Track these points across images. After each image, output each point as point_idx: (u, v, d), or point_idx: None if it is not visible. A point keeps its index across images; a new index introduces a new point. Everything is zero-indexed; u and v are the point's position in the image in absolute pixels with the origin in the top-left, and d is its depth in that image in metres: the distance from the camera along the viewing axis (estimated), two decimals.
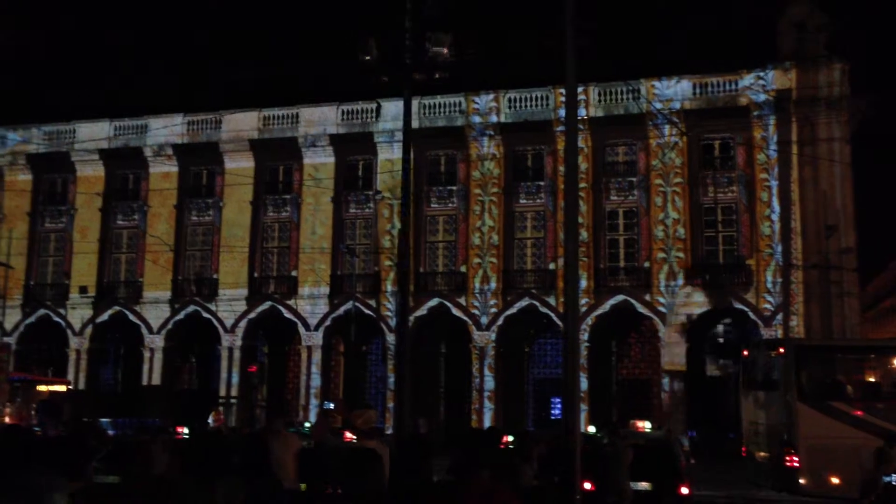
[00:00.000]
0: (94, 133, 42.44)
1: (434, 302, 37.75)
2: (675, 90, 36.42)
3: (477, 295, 37.57)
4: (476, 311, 37.54)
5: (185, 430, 18.60)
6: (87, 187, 42.20)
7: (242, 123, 40.88)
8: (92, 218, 42.02)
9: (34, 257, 42.73)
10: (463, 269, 38.19)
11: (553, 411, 38.08)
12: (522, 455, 8.74)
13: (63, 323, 41.47)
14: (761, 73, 35.50)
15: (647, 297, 35.69)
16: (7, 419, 24.75)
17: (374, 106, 39.25)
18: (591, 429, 26.01)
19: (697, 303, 35.15)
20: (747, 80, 35.74)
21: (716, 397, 33.40)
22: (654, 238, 35.95)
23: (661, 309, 35.50)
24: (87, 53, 55.05)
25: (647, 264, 36.05)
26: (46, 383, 33.78)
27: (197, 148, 41.35)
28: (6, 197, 43.13)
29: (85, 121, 42.75)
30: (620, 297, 35.93)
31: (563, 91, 35.61)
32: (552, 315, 36.23)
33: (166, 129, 41.53)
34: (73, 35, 57.07)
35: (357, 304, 38.51)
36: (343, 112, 40.16)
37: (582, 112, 35.70)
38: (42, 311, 41.75)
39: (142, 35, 57.54)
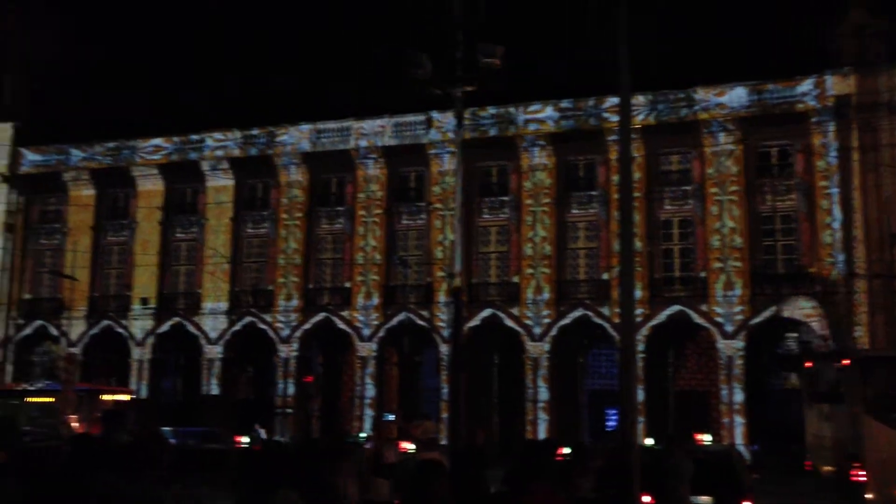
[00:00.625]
0: (153, 147, 43.51)
1: (487, 313, 37.74)
2: (731, 97, 35.89)
3: (530, 305, 37.45)
4: (529, 322, 37.41)
5: (245, 440, 18.91)
6: (148, 201, 43.27)
7: (296, 137, 41.51)
8: (152, 231, 43.04)
9: (98, 270, 43.89)
10: (515, 279, 38.11)
11: (608, 423, 37.69)
12: (580, 467, 8.67)
13: (125, 333, 42.49)
14: (820, 79, 34.78)
15: (704, 308, 35.14)
16: (75, 428, 25.44)
17: (425, 118, 39.52)
18: (649, 441, 25.69)
19: (757, 313, 34.48)
20: (805, 85, 35.04)
21: (778, 410, 32.68)
22: (709, 247, 35.42)
23: (719, 319, 34.92)
24: (147, 70, 56.55)
25: (703, 274, 35.52)
26: (110, 393, 34.60)
27: (252, 161, 42.09)
28: (71, 211, 44.44)
29: (145, 137, 43.83)
30: (676, 308, 35.44)
31: (615, 100, 35.40)
32: (606, 325, 35.91)
33: (222, 143, 42.39)
34: (132, 52, 58.73)
35: (410, 314, 38.73)
36: (395, 124, 40.49)
37: (637, 119, 35.43)
38: (105, 322, 42.84)
39: (198, 51, 58.90)
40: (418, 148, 39.80)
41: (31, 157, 45.12)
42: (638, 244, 34.48)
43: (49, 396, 30.47)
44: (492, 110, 38.49)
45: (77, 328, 42.76)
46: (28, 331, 44.00)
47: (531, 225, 38.07)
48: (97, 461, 7.35)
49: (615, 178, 35.64)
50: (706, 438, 20.39)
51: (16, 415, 27.99)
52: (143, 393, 41.09)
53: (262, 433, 32.67)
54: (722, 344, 34.83)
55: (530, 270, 37.74)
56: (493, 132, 38.70)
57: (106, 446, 9.16)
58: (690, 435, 21.24)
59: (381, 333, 39.38)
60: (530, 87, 36.76)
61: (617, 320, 35.31)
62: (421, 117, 39.72)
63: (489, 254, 39.17)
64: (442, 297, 37.96)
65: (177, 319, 42.05)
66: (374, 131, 40.60)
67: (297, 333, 40.40)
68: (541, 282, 37.49)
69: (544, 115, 38.41)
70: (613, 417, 37.81)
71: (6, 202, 44.72)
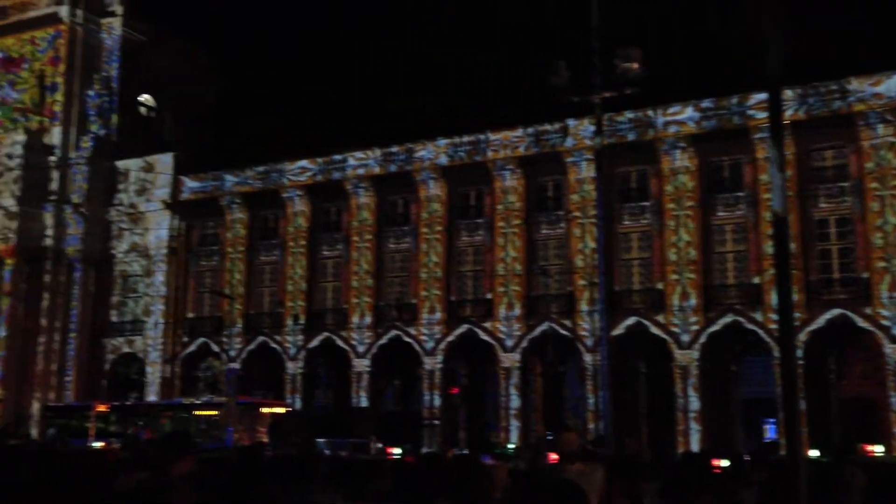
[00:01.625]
0: (300, 169, 45.44)
1: (631, 320, 36.96)
2: (888, 86, 33.64)
3: (676, 312, 36.38)
4: (676, 329, 36.33)
5: (397, 451, 19.33)
6: (295, 221, 45.17)
7: (433, 152, 42.24)
8: (300, 250, 44.85)
9: (252, 289, 46.17)
10: (660, 286, 37.14)
11: (765, 433, 35.96)
12: (742, 480, 8.33)
13: (279, 349, 44.44)
14: None
15: (868, 311, 32.98)
16: (237, 439, 26.80)
17: (561, 126, 39.28)
18: (814, 452, 24.30)
19: None
20: None
21: None
22: (872, 246, 33.24)
23: (885, 322, 32.67)
24: (292, 95, 59.11)
25: (865, 275, 33.37)
26: (269, 406, 36.26)
27: (392, 178, 43.15)
28: (227, 234, 46.99)
29: (292, 159, 45.83)
30: (837, 311, 33.46)
31: (760, 96, 33.91)
32: (759, 331, 34.35)
33: (364, 162, 43.73)
34: (278, 79, 61.58)
35: (552, 324, 38.47)
36: (530, 134, 40.45)
37: (786, 114, 33.80)
38: (261, 338, 44.97)
39: (338, 74, 61.05)
40: (555, 156, 39.60)
41: (190, 184, 48.08)
42: (792, 245, 32.81)
43: (214, 410, 32.26)
44: (629, 114, 37.77)
45: (236, 344, 45.06)
46: (192, 348, 46.80)
47: (674, 229, 37.01)
48: (263, 471, 7.74)
49: (763, 177, 34.12)
50: (877, 449, 19.05)
51: (186, 428, 29.78)
52: (297, 405, 42.76)
53: (378, 445, 33.03)
54: (890, 349, 32.55)
55: (675, 276, 36.67)
56: (631, 136, 37.96)
57: (269, 457, 9.62)
58: (859, 446, 19.95)
59: (523, 344, 39.31)
60: (669, 89, 35.83)
61: (771, 325, 33.72)
62: (556, 126, 39.51)
63: (631, 260, 38.41)
64: (584, 306, 37.49)
65: (326, 334, 43.56)
66: (509, 142, 40.74)
67: (441, 345, 40.94)
68: (687, 287, 36.35)
69: (684, 116, 37.34)
70: (771, 428, 36.07)
71: (169, 227, 47.85)
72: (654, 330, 36.79)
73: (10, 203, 47.63)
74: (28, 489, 4.80)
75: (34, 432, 44.57)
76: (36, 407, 46.29)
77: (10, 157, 48.35)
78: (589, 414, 36.77)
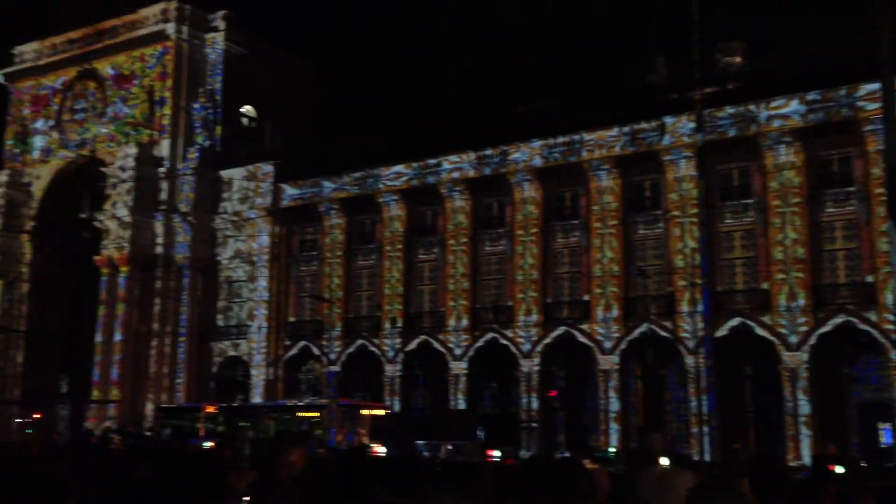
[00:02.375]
0: (395, 175, 46.04)
1: (735, 322, 35.87)
2: None
3: (783, 313, 35.09)
4: (783, 331, 35.04)
5: (496, 454, 19.31)
6: (392, 226, 45.78)
7: (528, 153, 42.06)
8: (397, 254, 45.42)
9: (351, 292, 47.03)
10: (765, 286, 35.93)
11: (882, 438, 34.24)
12: (860, 488, 7.94)
13: (377, 352, 45.09)
14: None
15: None
16: (339, 440, 27.33)
17: (658, 124, 38.51)
18: None
19: None
20: None
21: None
22: None
23: None
24: (387, 100, 59.94)
25: None
26: (368, 408, 36.82)
27: (486, 181, 43.19)
28: (325, 238, 48.02)
29: (387, 164, 46.48)
30: None
31: (871, 87, 32.37)
32: (874, 332, 32.77)
33: (458, 165, 43.94)
34: (372, 84, 62.58)
35: (652, 326, 37.72)
36: (626, 133, 39.79)
37: None
38: (359, 342, 45.74)
39: (430, 77, 61.56)
40: (652, 155, 38.84)
41: (290, 191, 49.38)
42: None
43: (316, 411, 33.01)
44: (730, 110, 36.69)
45: (335, 347, 45.96)
46: (294, 351, 48.02)
47: (780, 227, 35.73)
48: (368, 472, 7.88)
49: (875, 171, 32.57)
50: None
51: (290, 429, 30.55)
52: (396, 408, 43.27)
53: (449, 447, 32.76)
54: None
55: (781, 275, 35.39)
56: (732, 132, 36.86)
57: (375, 459, 9.78)
58: None
59: (622, 346, 38.68)
60: (771, 82, 34.61)
61: (887, 326, 32.17)
62: (653, 124, 38.74)
63: (734, 260, 37.29)
64: (685, 307, 36.61)
65: (423, 337, 43.93)
66: (605, 142, 40.18)
67: (538, 348, 40.69)
68: (794, 287, 35.02)
69: (789, 109, 36.01)
70: (887, 432, 34.33)
71: (270, 234, 49.26)
72: (760, 331, 35.59)
73: (124, 213, 49.99)
74: (151, 486, 5.01)
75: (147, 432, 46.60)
76: (149, 407, 48.39)
77: (122, 169, 50.76)
78: (692, 418, 35.85)
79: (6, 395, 53.08)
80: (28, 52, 59.50)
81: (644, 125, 39.18)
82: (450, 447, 31.64)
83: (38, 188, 56.69)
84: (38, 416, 48.68)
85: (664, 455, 7.98)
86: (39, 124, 57.96)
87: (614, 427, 38.22)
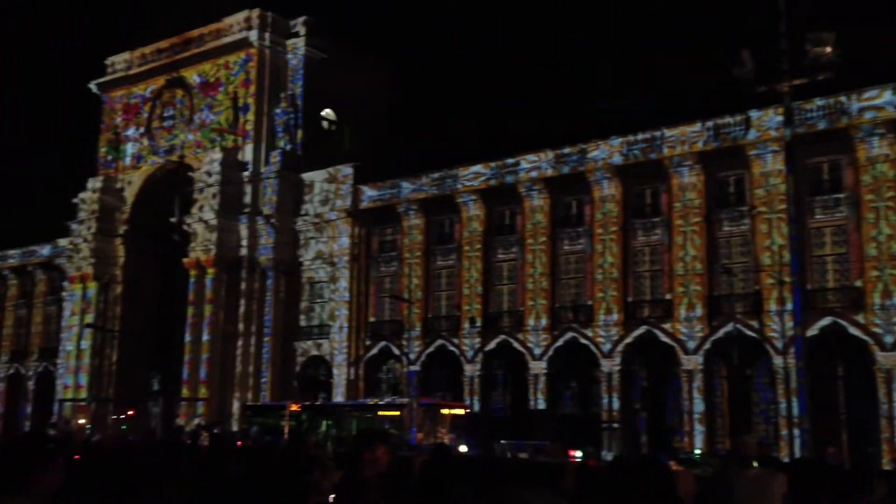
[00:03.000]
0: (474, 175, 46.11)
1: (826, 321, 34.63)
2: None
3: (878, 311, 33.72)
4: (878, 330, 33.65)
5: (578, 454, 19.12)
6: (470, 225, 45.84)
7: (607, 151, 41.52)
8: (475, 254, 45.44)
9: (430, 292, 47.29)
10: (858, 283, 34.59)
11: None
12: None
13: (457, 351, 45.21)
14: None
15: None
16: (419, 438, 27.50)
17: (743, 118, 37.48)
18: None
19: None
20: None
21: None
22: None
23: None
24: (464, 101, 60.15)
25: None
26: (448, 407, 36.95)
27: (565, 179, 42.81)
28: (404, 239, 48.43)
29: (465, 165, 46.58)
30: None
31: None
32: None
33: (536, 164, 43.70)
34: (449, 87, 62.87)
35: (738, 325, 36.76)
36: (709, 128, 38.87)
37: None
38: (439, 341, 45.97)
39: (503, 79, 61.46)
40: (737, 150, 37.83)
41: (369, 192, 49.99)
42: None
43: (396, 410, 33.31)
44: (819, 101, 35.45)
45: (415, 347, 46.27)
46: (374, 351, 48.59)
47: (873, 222, 34.34)
48: (452, 472, 7.87)
49: None
50: None
51: (371, 427, 30.90)
52: (475, 407, 43.30)
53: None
54: None
55: (876, 273, 34.00)
56: (822, 125, 35.60)
57: (458, 457, 9.80)
58: None
59: (706, 346, 37.79)
60: (863, 72, 33.31)
61: None
62: (738, 118, 37.73)
63: (825, 257, 36.02)
64: (772, 306, 35.54)
65: (502, 337, 43.84)
66: (687, 137, 39.34)
67: (619, 347, 40.13)
68: (889, 285, 33.62)
69: (882, 100, 34.55)
70: None
71: (350, 235, 49.98)
72: (853, 331, 34.27)
73: (211, 216, 51.48)
74: (240, 484, 5.11)
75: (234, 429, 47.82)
76: (235, 405, 49.70)
77: (209, 174, 52.26)
78: (781, 420, 34.79)
79: (102, 392, 55.34)
80: (119, 62, 61.89)
81: (728, 119, 38.20)
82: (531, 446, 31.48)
83: (130, 193, 58.95)
84: (131, 412, 50.57)
85: (757, 458, 7.79)
86: (131, 132, 60.24)
87: (699, 428, 37.37)
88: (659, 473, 7.76)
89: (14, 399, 65.17)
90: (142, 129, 59.40)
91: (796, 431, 30.28)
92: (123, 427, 47.58)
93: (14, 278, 66.98)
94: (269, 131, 53.73)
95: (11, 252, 66.66)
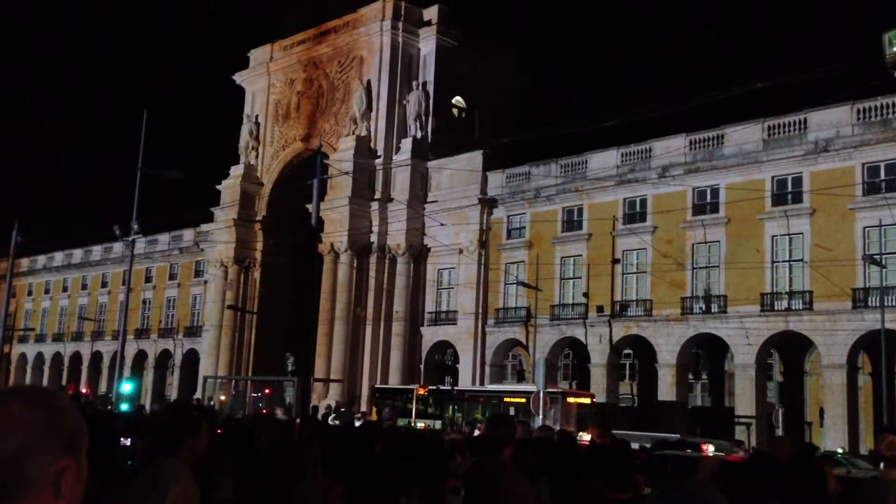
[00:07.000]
0: (603, 162, 45.44)
1: None
2: None
3: None
4: None
5: (710, 448, 18.69)
6: (599, 213, 45.21)
7: (745, 137, 39.95)
8: (604, 241, 44.79)
9: (558, 280, 46.98)
10: None
11: None
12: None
13: (584, 340, 44.82)
14: None
15: None
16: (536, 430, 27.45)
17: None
18: None
19: None
20: None
21: None
22: None
23: None
24: (590, 88, 59.31)
25: None
26: (574, 396, 36.77)
27: (700, 167, 41.54)
28: (532, 227, 48.30)
29: (596, 151, 45.96)
30: None
31: None
32: None
33: (669, 151, 42.58)
34: (575, 72, 62.09)
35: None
36: (859, 111, 36.72)
37: None
38: (566, 329, 45.70)
39: (635, 64, 60.08)
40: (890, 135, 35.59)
41: (498, 179, 50.15)
42: None
43: (522, 398, 33.43)
44: None
45: (542, 335, 46.18)
46: (501, 337, 48.83)
47: None
48: (576, 461, 7.95)
49: None
50: None
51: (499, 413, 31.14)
52: (602, 397, 42.85)
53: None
54: None
55: None
56: None
57: (582, 447, 9.84)
58: None
59: (848, 341, 35.88)
60: None
61: None
62: (892, 99, 35.47)
63: None
64: None
65: (630, 326, 43.13)
66: (833, 121, 37.32)
67: (754, 340, 38.66)
68: None
69: None
70: None
71: (479, 222, 50.32)
72: None
73: (343, 203, 53.07)
74: (382, 464, 5.34)
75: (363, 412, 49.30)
76: (365, 388, 51.16)
77: (342, 161, 53.89)
78: None
79: (242, 372, 58.26)
80: (261, 54, 64.60)
81: (881, 100, 35.96)
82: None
83: (268, 180, 61.55)
84: (268, 391, 52.97)
85: None
86: (270, 121, 62.82)
87: (840, 426, 35.60)
88: (812, 472, 7.52)
89: (162, 375, 69.67)
90: (280, 118, 61.84)
91: None
92: (260, 405, 49.84)
93: (163, 261, 71.39)
94: (401, 119, 54.76)
95: (161, 237, 71.01)
